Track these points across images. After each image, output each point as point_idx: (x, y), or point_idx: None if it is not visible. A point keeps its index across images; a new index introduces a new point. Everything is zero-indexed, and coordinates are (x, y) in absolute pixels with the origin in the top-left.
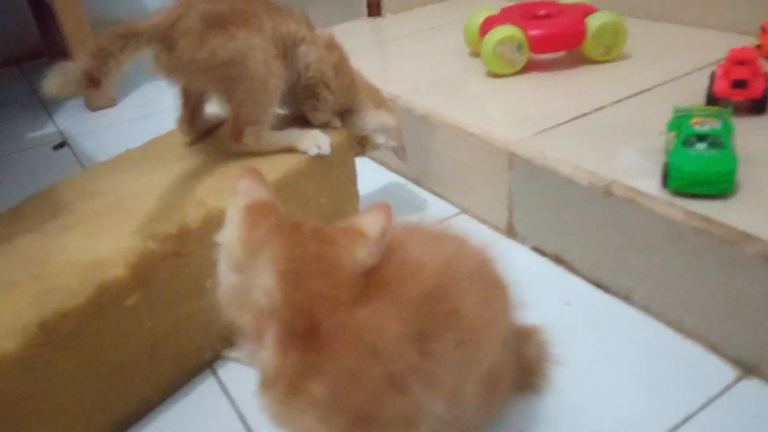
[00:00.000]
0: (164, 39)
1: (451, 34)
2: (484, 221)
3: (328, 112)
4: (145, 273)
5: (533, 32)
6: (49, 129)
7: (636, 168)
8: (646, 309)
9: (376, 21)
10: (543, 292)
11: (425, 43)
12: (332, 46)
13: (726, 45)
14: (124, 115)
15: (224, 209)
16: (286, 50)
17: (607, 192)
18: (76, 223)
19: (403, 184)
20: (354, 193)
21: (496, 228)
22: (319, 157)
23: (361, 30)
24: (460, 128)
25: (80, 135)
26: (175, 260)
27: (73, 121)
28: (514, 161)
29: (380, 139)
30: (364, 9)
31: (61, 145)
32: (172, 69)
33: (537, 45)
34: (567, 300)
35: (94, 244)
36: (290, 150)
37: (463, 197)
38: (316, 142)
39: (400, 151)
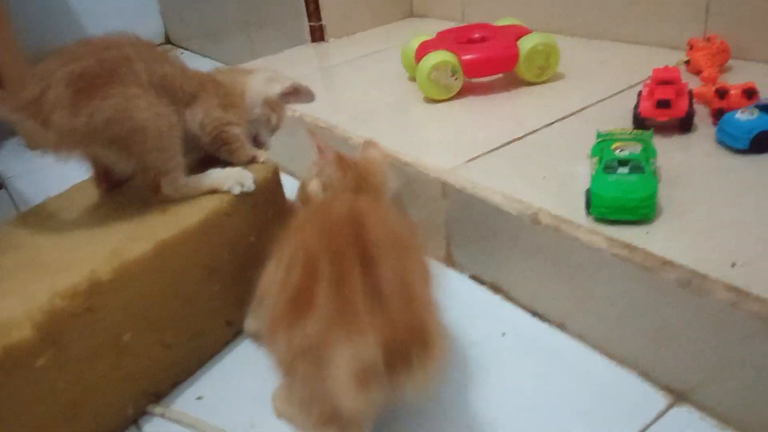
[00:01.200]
0: (34, 116)
1: (392, 59)
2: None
3: (246, 146)
4: (54, 332)
5: (466, 57)
6: None
7: (563, 195)
8: (581, 337)
9: (320, 47)
10: (481, 323)
11: (367, 68)
12: (205, 83)
13: (658, 61)
14: None
15: (141, 258)
16: (170, 92)
17: (534, 220)
18: None
19: None
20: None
21: (436, 257)
22: (244, 195)
23: (305, 56)
24: (396, 157)
25: (19, 176)
26: (87, 316)
27: (13, 160)
28: (447, 190)
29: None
30: (308, 35)
31: None
32: (55, 144)
33: (471, 69)
34: (504, 330)
35: (0, 305)
36: (214, 191)
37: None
38: (238, 180)
39: (302, 96)
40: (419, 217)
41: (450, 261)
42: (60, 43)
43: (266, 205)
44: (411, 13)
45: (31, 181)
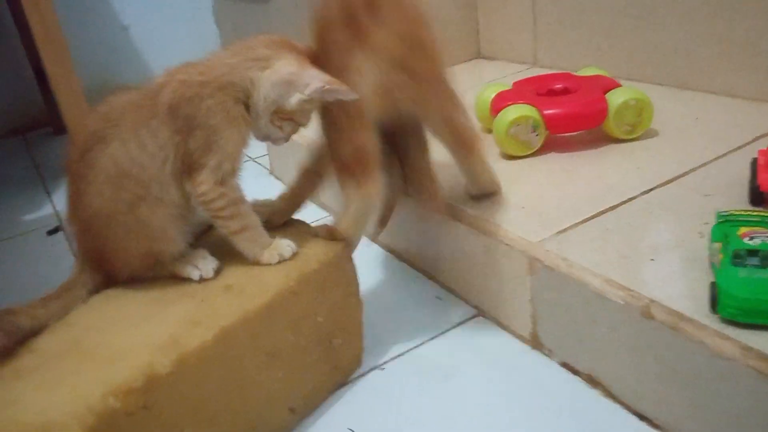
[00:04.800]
0: None
1: None
2: (505, 327)
3: (255, 235)
4: None
5: (549, 112)
6: (46, 210)
7: (678, 284)
8: None
9: None
10: (575, 422)
11: None
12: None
13: (759, 119)
14: None
15: (201, 347)
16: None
17: (645, 314)
18: (32, 367)
19: (411, 276)
20: (356, 305)
21: (519, 337)
22: (311, 272)
23: None
24: (472, 223)
25: None
26: (143, 414)
27: None
28: (535, 267)
29: (294, 98)
30: None
31: (55, 230)
32: None
33: (554, 125)
34: None
35: (48, 399)
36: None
37: (481, 297)
38: (197, 264)
39: (336, 93)
40: (500, 290)
41: (536, 343)
42: (121, 76)
43: (335, 283)
44: (478, 55)
45: None
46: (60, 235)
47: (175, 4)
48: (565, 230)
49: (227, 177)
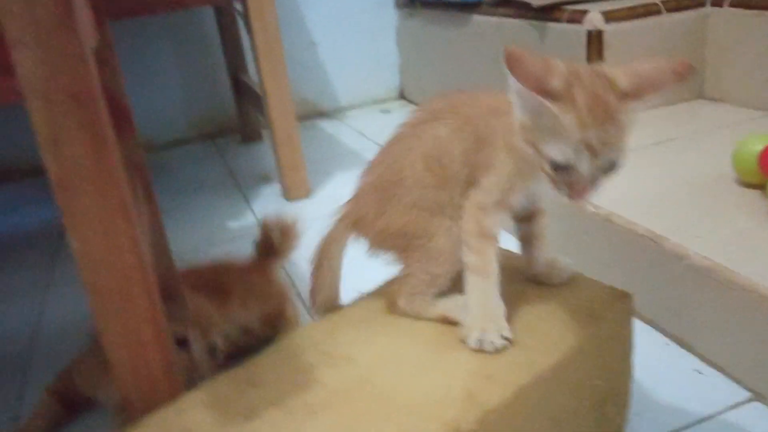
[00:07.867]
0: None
1: (694, 151)
2: None
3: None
4: None
5: None
6: (248, 219)
7: None
8: None
9: None
10: None
11: (668, 162)
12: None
13: None
14: (318, 209)
15: (501, 407)
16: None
17: None
18: (324, 403)
19: (659, 342)
20: (629, 368)
21: None
22: (599, 329)
23: None
24: (757, 292)
25: None
26: None
27: (270, 210)
28: None
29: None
30: None
31: None
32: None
33: None
34: None
35: None
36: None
37: (760, 379)
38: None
39: None
40: None
41: None
42: (305, 90)
43: (616, 342)
44: (701, 95)
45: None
46: None
47: (360, 22)
48: None
49: (492, 207)
